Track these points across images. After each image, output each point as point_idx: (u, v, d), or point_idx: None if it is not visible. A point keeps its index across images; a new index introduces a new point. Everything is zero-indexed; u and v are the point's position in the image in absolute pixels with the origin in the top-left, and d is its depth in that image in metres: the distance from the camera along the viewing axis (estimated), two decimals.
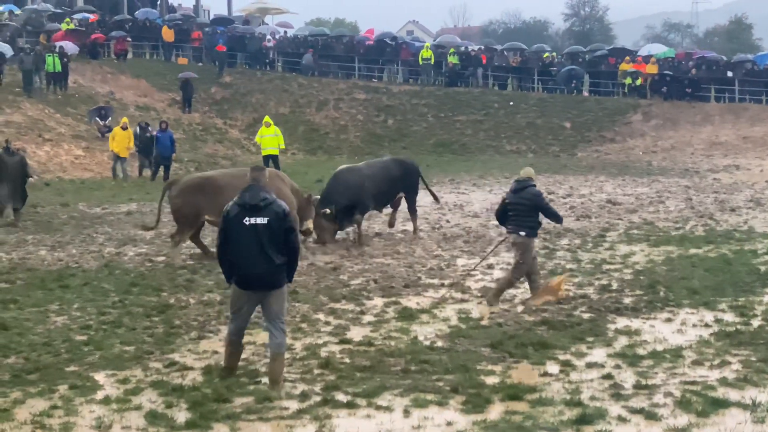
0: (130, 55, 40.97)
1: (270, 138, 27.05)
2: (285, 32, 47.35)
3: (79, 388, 8.24)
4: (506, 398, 7.82)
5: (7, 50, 33.94)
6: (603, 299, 11.67)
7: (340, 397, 7.92)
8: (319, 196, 16.11)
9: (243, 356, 9.18)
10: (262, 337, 9.16)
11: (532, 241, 11.73)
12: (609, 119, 37.83)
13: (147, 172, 27.60)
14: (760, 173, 27.56)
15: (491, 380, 8.33)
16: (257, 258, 8.08)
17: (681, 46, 70.11)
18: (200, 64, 42.00)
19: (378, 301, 11.77)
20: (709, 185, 24.87)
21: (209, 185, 14.87)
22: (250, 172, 8.51)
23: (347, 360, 9.08)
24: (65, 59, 33.88)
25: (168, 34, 41.95)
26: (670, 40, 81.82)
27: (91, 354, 9.46)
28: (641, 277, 12.98)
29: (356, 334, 10.15)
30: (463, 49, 43.83)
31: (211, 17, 53.21)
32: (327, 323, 10.67)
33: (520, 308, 11.31)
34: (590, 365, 8.83)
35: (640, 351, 9.28)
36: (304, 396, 7.96)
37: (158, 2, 52.70)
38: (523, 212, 11.57)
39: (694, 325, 10.32)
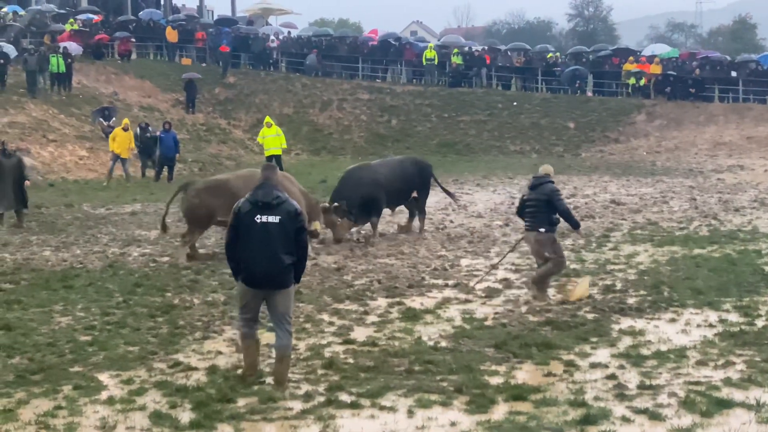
0: (133, 56, 41.04)
1: (272, 138, 27.10)
2: (289, 33, 47.37)
3: (83, 389, 8.25)
4: (510, 398, 7.81)
5: (11, 51, 34.00)
6: (607, 299, 11.66)
7: (344, 397, 7.92)
8: (326, 204, 16.11)
9: None
10: (266, 337, 9.16)
11: (553, 236, 11.71)
12: (613, 119, 37.80)
13: (150, 173, 27.63)
14: (764, 173, 27.51)
15: (495, 380, 8.32)
16: (266, 256, 8.01)
17: (685, 46, 69.98)
18: (204, 64, 42.06)
19: (382, 302, 11.76)
20: (713, 185, 24.84)
21: (226, 188, 14.86)
22: (262, 171, 8.45)
23: (351, 360, 9.08)
24: (69, 60, 33.94)
25: (172, 35, 41.99)
26: (674, 40, 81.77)
27: (95, 354, 9.47)
28: (645, 278, 12.97)
29: (360, 334, 10.15)
30: (466, 49, 43.86)
31: (215, 18, 53.24)
32: (331, 323, 10.67)
33: (524, 309, 11.30)
34: (594, 365, 8.82)
35: (644, 351, 9.27)
36: (308, 396, 7.96)
37: (162, 3, 52.76)
38: (540, 208, 11.59)
39: (699, 326, 10.31)
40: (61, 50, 34.14)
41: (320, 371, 8.71)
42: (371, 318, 10.96)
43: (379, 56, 43.35)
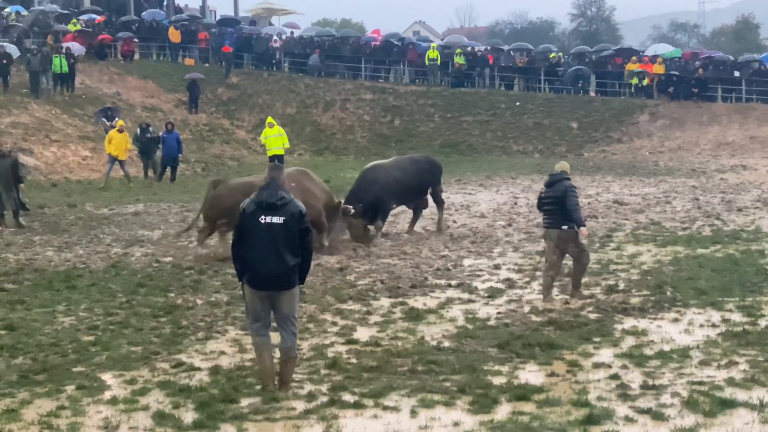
0: (136, 56, 41.07)
1: (274, 138, 27.14)
2: (291, 33, 47.37)
3: (86, 389, 8.26)
4: (513, 398, 7.81)
5: (14, 51, 34.02)
6: (610, 299, 11.66)
7: (347, 397, 7.92)
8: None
9: (250, 356, 9.19)
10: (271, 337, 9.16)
11: (575, 232, 11.72)
12: (616, 119, 37.78)
13: (152, 173, 27.64)
14: (767, 173, 27.49)
15: (498, 380, 8.32)
16: (271, 257, 7.96)
17: (688, 46, 69.95)
18: (207, 64, 42.06)
19: (385, 302, 11.77)
20: (716, 185, 24.82)
21: (253, 189, 14.88)
22: (269, 171, 8.37)
23: (354, 360, 9.08)
24: (72, 60, 33.96)
25: (175, 35, 42.00)
26: (677, 40, 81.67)
27: (98, 354, 9.48)
28: (648, 278, 12.96)
29: (363, 334, 10.15)
30: (469, 49, 43.84)
31: (218, 18, 53.26)
32: (334, 324, 10.68)
33: (527, 308, 11.29)
34: (597, 365, 8.82)
35: (647, 351, 9.26)
36: (311, 396, 7.96)
37: (165, 3, 52.78)
38: (559, 205, 11.60)
39: (702, 326, 10.30)
40: (64, 50, 34.18)
41: (323, 371, 8.71)
42: (374, 318, 10.96)
43: (381, 56, 43.33)
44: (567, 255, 11.99)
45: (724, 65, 40.34)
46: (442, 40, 54.79)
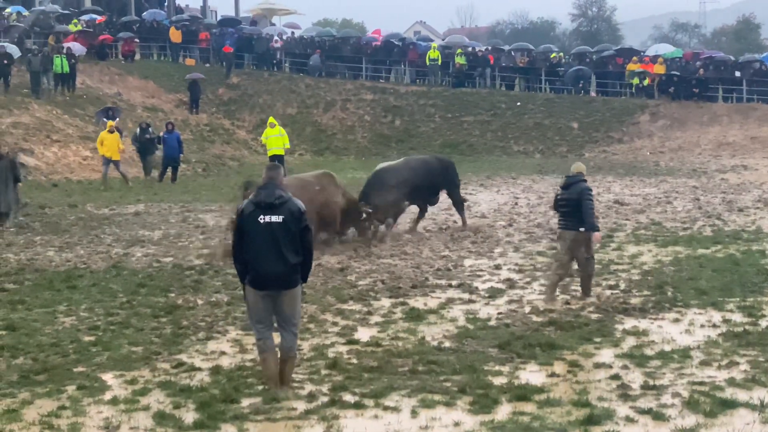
0: (137, 56, 41.10)
1: (275, 138, 27.12)
2: (292, 33, 47.39)
3: (87, 389, 8.26)
4: (514, 399, 7.81)
5: (15, 51, 34.02)
6: (611, 300, 11.65)
7: (348, 397, 7.92)
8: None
9: (251, 356, 9.21)
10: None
11: (590, 235, 11.73)
12: (616, 119, 37.78)
13: (154, 173, 27.64)
14: (767, 173, 27.51)
15: (499, 381, 8.32)
16: (272, 257, 7.95)
17: (689, 46, 69.99)
18: (207, 65, 42.09)
19: (385, 302, 11.76)
20: (717, 185, 24.82)
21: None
22: (266, 171, 8.36)
23: (355, 360, 9.08)
24: (73, 60, 33.97)
25: (175, 35, 42.03)
26: (678, 40, 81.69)
27: (98, 355, 9.48)
28: (649, 278, 12.96)
29: (364, 334, 10.16)
30: (470, 49, 43.85)
31: (219, 18, 53.27)
32: (334, 324, 10.68)
33: (527, 309, 11.29)
34: (598, 366, 8.82)
35: (648, 351, 9.26)
36: (311, 397, 7.96)
37: (166, 3, 52.80)
38: (574, 207, 11.61)
39: (702, 326, 10.30)
40: (64, 51, 34.18)
41: (324, 371, 8.71)
42: (375, 318, 10.96)
43: (382, 56, 43.35)
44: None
45: (725, 65, 40.33)
46: (442, 40, 54.76)
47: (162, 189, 25.24)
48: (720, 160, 31.68)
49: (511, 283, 12.82)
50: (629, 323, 10.48)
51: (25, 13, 42.33)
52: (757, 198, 21.80)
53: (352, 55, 43.49)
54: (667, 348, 9.38)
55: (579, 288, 12.13)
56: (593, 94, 40.95)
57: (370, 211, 16.19)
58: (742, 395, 7.78)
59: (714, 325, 10.29)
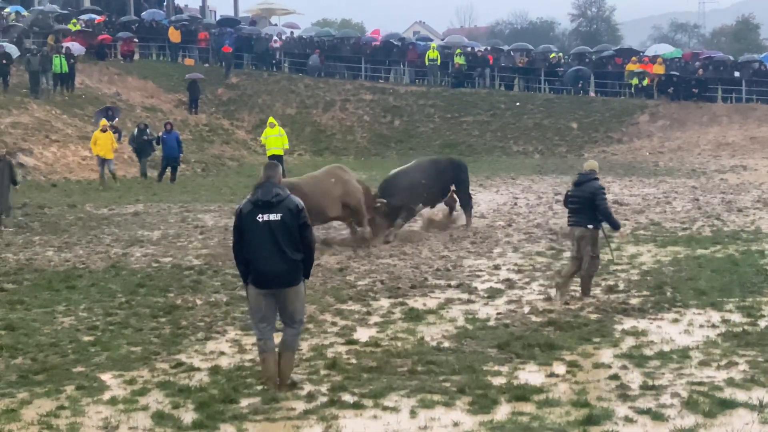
0: (136, 56, 41.09)
1: (274, 138, 27.14)
2: (291, 33, 47.37)
3: (85, 389, 8.26)
4: (513, 399, 7.81)
5: (14, 51, 34.02)
6: (610, 300, 11.66)
7: (347, 397, 7.92)
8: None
9: (250, 356, 9.21)
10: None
11: (598, 232, 11.77)
12: (616, 120, 37.79)
13: (152, 173, 27.63)
14: (767, 173, 27.48)
15: (498, 381, 8.32)
16: (272, 255, 7.97)
17: (688, 47, 69.99)
18: (207, 65, 42.08)
19: (384, 302, 11.76)
20: (716, 186, 24.83)
21: (299, 192, 15.17)
22: (264, 170, 8.37)
23: (354, 361, 9.08)
24: (72, 60, 33.96)
25: (174, 35, 42.02)
26: (677, 41, 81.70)
27: (97, 355, 9.48)
28: (648, 278, 12.96)
29: (363, 334, 10.15)
30: (469, 49, 43.85)
31: (218, 18, 53.28)
32: (333, 324, 10.67)
33: (526, 309, 11.29)
34: (597, 366, 8.82)
35: (647, 352, 9.26)
36: (310, 397, 7.96)
37: (165, 3, 52.81)
38: (585, 205, 11.64)
39: (701, 326, 10.30)
40: (63, 51, 34.17)
41: (323, 371, 8.71)
42: (374, 318, 10.96)
43: (381, 57, 43.34)
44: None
45: (724, 65, 40.33)
46: (442, 40, 54.76)
47: (161, 189, 25.24)
48: (719, 160, 31.69)
49: (510, 284, 12.82)
50: (628, 323, 10.48)
51: (24, 12, 42.35)
52: (756, 198, 21.81)
53: (351, 55, 43.50)
54: (666, 348, 9.38)
55: (578, 288, 12.13)
56: (592, 94, 40.95)
57: (384, 201, 16.50)
58: (741, 395, 7.78)
59: (713, 326, 10.29)
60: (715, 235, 16.58)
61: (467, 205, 18.27)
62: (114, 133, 29.82)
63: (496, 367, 8.78)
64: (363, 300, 11.88)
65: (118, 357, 9.35)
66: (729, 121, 36.40)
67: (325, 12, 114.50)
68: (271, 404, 7.77)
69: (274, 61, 43.19)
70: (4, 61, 32.28)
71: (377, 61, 43.14)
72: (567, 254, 14.96)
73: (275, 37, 44.07)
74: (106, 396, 8.09)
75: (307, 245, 8.16)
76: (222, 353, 9.46)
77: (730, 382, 8.17)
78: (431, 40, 49.74)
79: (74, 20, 41.61)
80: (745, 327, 10.11)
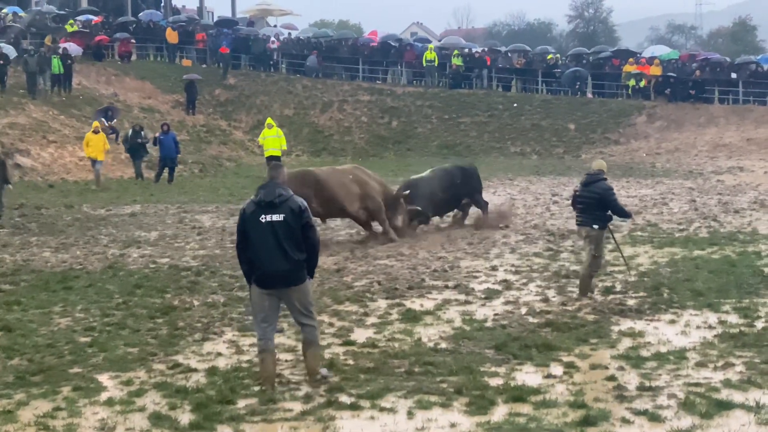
0: (134, 57, 41.04)
1: (272, 139, 27.17)
2: (289, 34, 47.40)
3: (82, 390, 8.25)
4: (510, 400, 7.81)
5: (11, 52, 34.00)
6: (607, 301, 11.66)
7: (344, 398, 7.92)
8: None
9: (247, 357, 9.20)
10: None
11: (603, 233, 11.83)
12: (613, 121, 37.82)
13: (150, 174, 27.64)
14: (764, 175, 27.52)
15: (495, 382, 8.32)
16: (275, 255, 8.03)
17: (685, 48, 70.03)
18: (204, 65, 42.07)
19: (382, 303, 11.75)
20: (713, 187, 24.85)
21: (313, 177, 16.06)
22: (269, 171, 8.49)
23: (351, 362, 9.08)
24: (69, 61, 33.94)
25: (172, 36, 42.00)
26: (674, 42, 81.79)
27: (94, 356, 9.47)
28: (645, 279, 12.96)
29: (360, 335, 10.15)
30: (467, 50, 43.86)
31: (215, 19, 53.26)
32: (331, 325, 10.67)
33: (524, 310, 11.29)
34: (594, 367, 8.82)
35: (644, 353, 9.27)
36: (308, 398, 7.95)
37: (162, 4, 52.79)
38: (593, 205, 11.70)
39: (698, 327, 10.30)
40: (60, 51, 34.14)
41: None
42: (371, 319, 10.95)
43: (379, 57, 43.36)
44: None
45: (721, 67, 40.38)
46: (439, 41, 54.80)
47: (158, 190, 25.23)
48: (716, 161, 31.73)
49: (507, 285, 12.82)
50: (625, 324, 10.48)
51: (22, 13, 42.30)
52: (753, 199, 21.83)
53: (349, 56, 43.52)
54: (663, 349, 9.38)
55: (577, 288, 12.14)
56: (590, 95, 40.99)
57: (407, 193, 16.79)
58: (737, 396, 7.79)
59: (710, 327, 10.29)
60: (711, 237, 16.59)
61: (483, 206, 18.65)
62: (111, 133, 29.95)
63: (493, 368, 8.78)
64: (360, 301, 11.87)
65: (115, 358, 9.34)
66: (726, 122, 36.44)
67: (323, 13, 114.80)
68: (269, 405, 7.77)
69: (271, 62, 43.18)
70: (2, 62, 32.25)
71: (375, 62, 43.16)
72: (563, 255, 15.00)
73: (273, 38, 44.08)
74: (103, 397, 8.08)
75: (311, 245, 8.21)
76: (219, 354, 9.46)
77: (727, 383, 8.17)
78: (429, 41, 49.75)
79: (71, 21, 41.57)
80: (742, 328, 10.11)
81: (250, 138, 35.80)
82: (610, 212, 11.87)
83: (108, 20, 44.20)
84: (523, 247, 15.88)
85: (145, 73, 39.04)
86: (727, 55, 47.02)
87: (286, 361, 9.07)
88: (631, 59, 41.58)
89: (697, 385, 8.14)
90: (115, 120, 31.29)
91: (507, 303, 11.72)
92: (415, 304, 11.69)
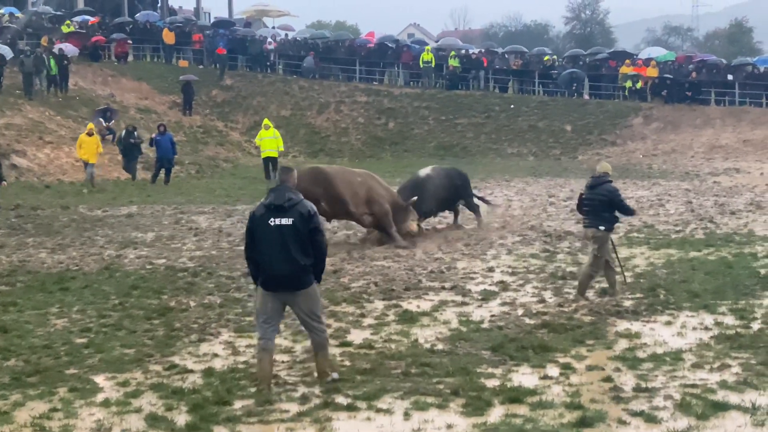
0: (130, 58, 41.01)
1: (269, 140, 27.19)
2: (286, 35, 47.38)
3: (79, 391, 8.25)
4: (506, 401, 7.82)
5: (8, 52, 33.96)
6: (603, 302, 11.67)
7: (341, 399, 7.92)
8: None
9: (243, 358, 9.20)
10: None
11: (609, 235, 11.86)
12: (610, 122, 37.85)
13: (146, 175, 27.62)
14: (760, 176, 27.54)
15: (492, 383, 8.32)
16: (282, 258, 8.08)
17: (681, 50, 70.08)
18: (201, 66, 42.03)
19: (378, 304, 11.76)
20: (710, 188, 24.87)
21: (323, 173, 16.13)
22: (279, 174, 8.57)
23: (348, 363, 9.08)
24: (65, 61, 33.91)
25: (169, 37, 41.97)
26: (671, 44, 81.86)
27: (91, 357, 9.46)
28: (641, 281, 12.97)
29: (357, 336, 10.15)
30: (464, 52, 43.86)
31: (212, 20, 53.23)
32: (327, 326, 10.64)
33: (520, 311, 11.30)
34: (590, 368, 8.83)
35: (640, 354, 9.28)
36: (304, 399, 7.96)
37: (159, 5, 52.74)
38: (599, 207, 11.77)
39: (694, 328, 10.32)
40: (57, 51, 34.10)
41: (317, 374, 8.70)
42: (368, 320, 10.95)
43: (376, 59, 43.37)
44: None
45: (718, 68, 40.44)
46: (436, 42, 54.77)
47: (155, 191, 25.22)
48: (712, 163, 31.76)
49: (504, 286, 12.82)
50: (622, 326, 10.49)
51: (18, 14, 42.24)
52: (749, 201, 21.85)
53: (345, 57, 43.49)
54: (660, 350, 9.39)
55: (574, 289, 12.15)
56: (586, 96, 41.00)
57: (415, 200, 16.80)
58: (733, 398, 7.80)
59: (706, 328, 10.30)
60: (708, 238, 16.61)
61: (476, 210, 18.69)
62: (109, 133, 29.95)
63: (489, 369, 8.79)
64: (357, 302, 11.87)
65: (112, 359, 9.33)
66: (722, 123, 36.47)
67: (320, 14, 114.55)
68: (265, 406, 7.77)
69: (268, 63, 43.15)
70: None
71: (372, 63, 43.16)
72: (559, 256, 15.01)
73: (270, 39, 44.04)
74: (100, 398, 8.08)
75: (318, 250, 8.27)
76: (216, 355, 9.45)
77: (723, 384, 8.18)
78: (426, 43, 49.76)
79: (68, 21, 41.53)
80: (738, 329, 10.13)
81: (247, 139, 35.78)
82: (617, 213, 11.93)
83: (105, 21, 44.15)
84: (519, 249, 15.89)
85: (141, 74, 39.02)
86: (723, 57, 47.12)
87: (283, 362, 9.08)
88: (627, 61, 41.61)
89: (693, 386, 8.15)
90: (113, 121, 31.28)
91: (504, 304, 11.73)
92: (411, 305, 11.69)
